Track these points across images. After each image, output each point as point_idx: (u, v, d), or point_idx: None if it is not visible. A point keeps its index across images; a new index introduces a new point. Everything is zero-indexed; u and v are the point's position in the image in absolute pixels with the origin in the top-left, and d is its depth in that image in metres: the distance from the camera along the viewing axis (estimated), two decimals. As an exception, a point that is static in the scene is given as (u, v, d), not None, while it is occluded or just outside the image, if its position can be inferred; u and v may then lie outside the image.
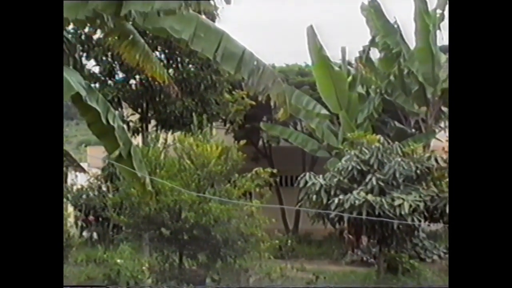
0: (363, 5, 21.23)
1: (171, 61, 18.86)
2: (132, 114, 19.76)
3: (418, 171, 14.40)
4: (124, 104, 19.40)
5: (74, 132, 44.77)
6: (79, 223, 20.57)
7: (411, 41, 20.60)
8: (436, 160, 14.49)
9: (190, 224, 12.80)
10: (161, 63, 12.17)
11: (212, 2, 9.29)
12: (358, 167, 14.44)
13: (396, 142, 15.39)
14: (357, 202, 13.53)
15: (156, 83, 14.74)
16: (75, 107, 9.05)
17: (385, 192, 13.95)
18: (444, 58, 20.10)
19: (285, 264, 14.59)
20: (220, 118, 21.13)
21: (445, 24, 20.09)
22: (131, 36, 9.54)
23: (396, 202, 13.56)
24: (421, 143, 18.81)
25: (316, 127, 20.72)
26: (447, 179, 13.46)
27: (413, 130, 22.01)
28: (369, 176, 14.14)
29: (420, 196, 13.92)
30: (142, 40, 9.95)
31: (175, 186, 12.43)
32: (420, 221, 13.99)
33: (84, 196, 20.11)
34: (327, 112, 20.85)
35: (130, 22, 9.17)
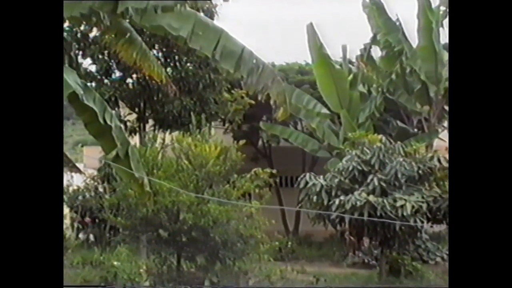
0: (365, 3, 21.24)
1: (168, 60, 18.85)
2: (129, 114, 19.76)
3: (421, 172, 14.41)
4: (121, 103, 19.38)
5: (70, 132, 44.77)
6: (75, 224, 20.56)
7: (414, 39, 20.64)
8: (439, 160, 14.50)
9: (188, 225, 12.80)
10: (159, 62, 12.16)
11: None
12: (360, 168, 14.45)
13: (398, 142, 15.40)
14: (358, 203, 13.54)
15: (154, 82, 14.70)
16: (71, 107, 9.06)
17: (387, 192, 13.96)
18: (447, 56, 20.11)
19: (285, 266, 14.59)
20: (219, 118, 21.12)
21: (448, 22, 20.10)
22: (128, 34, 9.56)
23: (398, 203, 13.57)
24: (423, 143, 18.82)
25: (316, 127, 20.73)
26: (450, 180, 13.45)
27: (416, 130, 22.03)
28: (370, 177, 14.15)
29: (422, 197, 13.93)
30: (139, 38, 9.96)
31: (173, 187, 12.43)
32: (422, 222, 14.00)
33: (80, 197, 20.10)
34: (327, 111, 20.87)
35: (127, 20, 9.18)
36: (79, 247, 18.55)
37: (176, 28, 8.84)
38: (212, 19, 16.96)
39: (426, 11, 19.65)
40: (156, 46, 18.33)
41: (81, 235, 20.25)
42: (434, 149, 18.34)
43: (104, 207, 16.13)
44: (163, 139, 16.21)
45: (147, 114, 19.51)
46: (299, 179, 14.84)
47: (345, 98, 20.42)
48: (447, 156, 14.79)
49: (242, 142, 14.50)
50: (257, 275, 13.49)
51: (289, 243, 16.79)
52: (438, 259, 18.03)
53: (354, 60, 22.21)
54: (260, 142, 24.14)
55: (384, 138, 15.43)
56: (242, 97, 20.39)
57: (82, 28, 17.29)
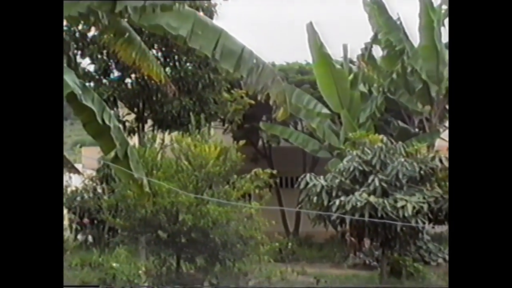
0: (366, 1, 21.24)
1: (168, 60, 18.85)
2: (128, 114, 19.76)
3: (422, 172, 14.40)
4: (120, 103, 19.38)
5: (68, 133, 44.73)
6: (74, 226, 20.53)
7: (415, 38, 20.64)
8: (441, 161, 14.49)
9: (188, 226, 12.80)
10: (158, 62, 12.17)
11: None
12: (360, 168, 14.45)
13: (400, 142, 15.39)
14: (359, 203, 13.54)
15: (153, 82, 14.73)
16: (70, 107, 9.06)
17: (388, 193, 13.96)
18: (448, 55, 20.13)
19: (285, 267, 14.60)
20: (219, 118, 21.13)
21: (448, 21, 20.10)
22: (127, 34, 9.56)
23: (400, 204, 13.57)
24: (425, 143, 18.81)
25: (317, 127, 20.73)
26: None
27: (417, 130, 22.03)
28: (371, 177, 14.15)
29: (424, 198, 13.93)
30: (138, 38, 9.97)
31: (172, 188, 12.43)
32: (424, 223, 14.00)
33: (78, 198, 20.08)
34: (328, 111, 20.87)
35: (126, 20, 9.19)
36: (77, 248, 18.53)
37: (175, 27, 8.85)
38: (212, 18, 16.97)
39: (428, 10, 19.65)
40: (155, 46, 18.33)
41: (79, 237, 20.23)
42: (436, 149, 18.34)
43: (102, 208, 16.13)
44: (162, 140, 16.19)
45: (146, 114, 19.51)
46: (299, 179, 14.84)
47: (346, 98, 20.43)
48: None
49: (242, 142, 14.50)
50: (257, 276, 13.51)
51: (289, 244, 16.80)
52: (440, 260, 18.01)
53: (354, 59, 22.21)
54: (260, 143, 24.15)
55: (385, 138, 15.42)
56: (242, 97, 20.39)
57: (80, 27, 17.29)
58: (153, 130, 18.94)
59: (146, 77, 15.12)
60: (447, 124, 21.25)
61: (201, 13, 11.38)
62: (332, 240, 20.10)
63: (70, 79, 8.36)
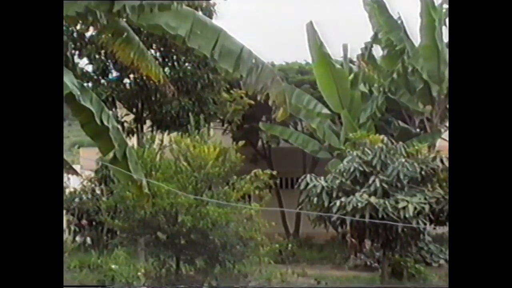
0: (366, 0, 21.22)
1: (166, 59, 18.86)
2: (127, 114, 19.76)
3: (423, 172, 14.42)
4: (118, 104, 19.39)
5: (67, 133, 44.70)
6: (72, 227, 20.54)
7: (416, 38, 20.63)
8: (442, 161, 14.51)
9: (187, 228, 12.82)
10: (157, 62, 12.19)
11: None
12: (361, 168, 14.46)
13: (400, 142, 15.41)
14: (359, 204, 13.55)
15: (152, 82, 14.73)
16: (68, 107, 9.07)
17: (389, 194, 13.97)
18: (449, 55, 20.09)
19: (285, 269, 14.63)
20: (218, 118, 21.13)
21: (448, 21, 20.10)
22: (125, 34, 9.57)
23: (400, 205, 13.59)
24: (426, 143, 18.83)
25: (317, 127, 20.73)
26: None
27: (418, 130, 22.02)
28: (372, 178, 14.17)
29: (425, 198, 13.95)
30: (137, 38, 9.98)
31: (171, 189, 12.45)
32: (425, 224, 14.02)
33: (77, 200, 20.08)
34: (328, 112, 20.87)
35: (124, 19, 9.19)
36: (76, 250, 18.55)
37: (174, 27, 8.86)
38: (211, 18, 16.97)
39: (429, 9, 19.64)
40: (154, 46, 18.34)
41: (78, 238, 20.23)
42: (437, 150, 18.34)
43: (101, 210, 16.16)
44: (161, 140, 16.21)
45: (144, 115, 19.52)
46: (299, 180, 14.85)
47: (346, 98, 20.42)
48: (450, 156, 14.79)
49: (241, 143, 14.52)
50: (257, 278, 13.53)
51: (290, 245, 16.82)
52: (442, 261, 18.01)
53: (355, 59, 22.20)
54: (259, 143, 24.13)
55: (385, 139, 15.44)
56: (241, 97, 20.39)
57: (78, 27, 17.29)
58: (152, 131, 18.94)
59: (144, 77, 15.11)
60: (448, 124, 21.25)
61: (200, 13, 11.37)
62: (333, 241, 20.09)
63: (68, 79, 8.37)
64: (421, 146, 16.42)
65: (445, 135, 20.26)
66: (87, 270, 15.82)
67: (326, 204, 14.16)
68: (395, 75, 20.10)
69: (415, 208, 13.57)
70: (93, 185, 20.27)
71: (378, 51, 21.79)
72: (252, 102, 19.40)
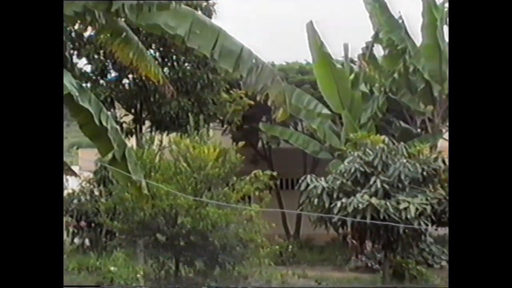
0: (367, 0, 21.24)
1: (166, 60, 18.86)
2: (126, 115, 19.76)
3: (425, 173, 14.41)
4: (117, 104, 19.39)
5: (65, 134, 44.73)
6: (70, 229, 20.52)
7: (417, 37, 20.64)
8: (444, 161, 14.49)
9: (187, 229, 12.82)
10: (156, 62, 12.19)
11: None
12: (362, 169, 14.45)
13: (402, 143, 15.40)
14: (360, 205, 13.55)
15: (151, 82, 14.74)
16: (66, 108, 9.07)
17: (390, 195, 13.97)
18: (451, 54, 20.06)
19: (286, 270, 14.63)
20: (218, 119, 21.13)
21: (448, 20, 20.08)
22: (124, 33, 9.58)
23: (402, 206, 13.58)
24: (427, 144, 18.84)
25: (317, 128, 20.73)
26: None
27: (419, 130, 22.03)
28: (373, 178, 14.16)
29: (427, 199, 13.94)
30: (136, 38, 9.98)
31: (170, 190, 12.45)
32: (427, 225, 14.01)
33: (75, 201, 20.07)
34: (329, 112, 20.88)
35: (123, 19, 9.20)
36: (74, 252, 18.52)
37: (173, 27, 8.86)
38: (210, 17, 16.98)
39: (431, 8, 19.63)
40: (153, 46, 18.34)
41: (76, 240, 20.21)
42: (439, 150, 18.35)
43: (100, 211, 16.14)
44: (160, 141, 16.22)
45: (143, 115, 19.52)
46: (300, 181, 14.84)
47: (347, 98, 20.43)
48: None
49: (241, 143, 14.53)
50: (257, 279, 13.53)
51: (290, 246, 16.83)
52: (443, 263, 17.99)
53: (355, 59, 22.21)
54: (259, 144, 24.14)
55: (386, 139, 15.44)
56: (241, 98, 20.40)
57: (76, 27, 17.30)
58: (151, 132, 18.95)
59: (143, 78, 15.12)
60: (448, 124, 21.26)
61: (200, 12, 11.37)
62: (334, 243, 20.09)
63: (66, 80, 8.37)
64: (423, 146, 16.41)
65: (447, 135, 20.25)
66: (86, 272, 15.81)
67: (326, 205, 14.15)
68: (396, 75, 20.10)
69: (417, 209, 13.57)
70: (91, 186, 20.26)
71: (379, 51, 21.81)
72: (252, 102, 19.40)
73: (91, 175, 20.68)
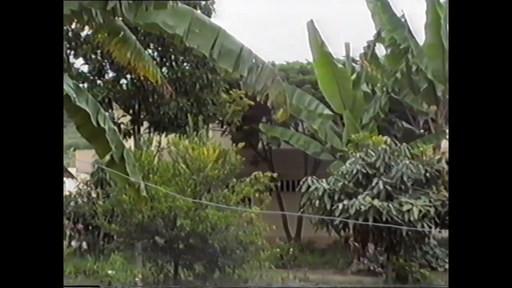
0: (369, -2, 21.26)
1: (164, 59, 18.89)
2: (124, 116, 19.79)
3: (428, 174, 14.41)
4: (114, 105, 19.42)
5: (62, 135, 44.78)
6: (68, 232, 20.54)
7: (420, 36, 20.65)
8: (447, 163, 14.49)
9: (186, 232, 12.82)
10: (154, 62, 12.19)
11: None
12: (364, 171, 14.46)
13: (404, 144, 15.40)
14: (363, 207, 13.55)
15: (149, 82, 14.74)
16: (63, 109, 9.09)
17: (393, 196, 13.97)
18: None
19: (287, 273, 14.61)
20: (217, 119, 21.16)
21: (448, 20, 20.07)
22: (122, 33, 9.58)
23: (405, 208, 13.58)
24: (430, 145, 18.80)
25: (318, 128, 20.74)
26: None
27: (422, 131, 22.05)
28: (375, 180, 14.16)
29: (430, 201, 13.93)
30: (134, 37, 9.98)
31: (169, 192, 12.45)
32: (430, 227, 14.00)
33: (72, 203, 20.09)
34: (330, 112, 20.89)
35: (120, 18, 9.20)
36: (71, 255, 18.53)
37: (171, 26, 8.86)
38: (210, 16, 16.99)
39: (435, 7, 19.61)
40: (151, 45, 18.37)
41: (73, 243, 20.22)
42: (442, 151, 18.34)
43: (97, 213, 16.13)
44: (159, 142, 16.23)
45: (142, 116, 19.54)
46: (300, 183, 14.84)
47: (348, 98, 20.44)
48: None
49: (241, 144, 14.54)
50: (258, 283, 13.52)
51: (291, 249, 16.81)
52: (447, 266, 18.01)
53: (357, 58, 22.22)
54: (260, 145, 24.17)
55: (389, 140, 15.43)
56: (241, 98, 20.42)
57: (73, 26, 17.33)
58: (149, 133, 18.96)
59: (141, 78, 15.14)
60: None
61: (199, 12, 11.37)
62: (335, 246, 20.11)
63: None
64: (426, 147, 16.39)
65: (450, 136, 20.24)
66: (83, 276, 15.84)
67: (328, 207, 14.16)
68: (398, 75, 20.09)
69: (420, 211, 13.56)
70: (89, 189, 20.28)
71: (381, 50, 21.82)
72: (252, 102, 19.42)
73: (88, 177, 20.70)
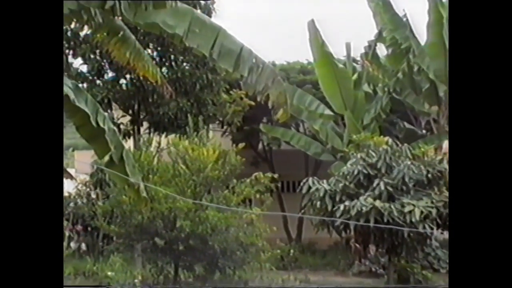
0: (370, -3, 21.25)
1: (164, 59, 18.88)
2: (123, 116, 19.78)
3: (430, 175, 14.41)
4: (114, 105, 19.41)
5: (60, 136, 44.76)
6: (66, 233, 20.55)
7: (421, 36, 20.64)
8: (449, 163, 14.49)
9: (186, 233, 12.82)
10: (154, 61, 12.19)
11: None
12: (365, 171, 14.46)
13: (406, 144, 15.39)
14: (364, 208, 13.55)
15: (149, 82, 14.76)
16: (62, 109, 9.07)
17: (394, 197, 13.97)
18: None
19: (287, 275, 14.63)
20: (217, 120, 21.16)
21: (448, 20, 20.06)
22: (121, 32, 9.57)
23: (406, 209, 13.58)
24: (432, 145, 18.80)
25: (319, 129, 20.75)
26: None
27: (424, 131, 22.05)
28: (376, 181, 14.16)
29: (432, 202, 13.93)
30: (133, 37, 9.98)
31: (169, 193, 12.45)
32: (432, 228, 14.00)
33: (71, 204, 20.10)
34: (331, 113, 20.89)
35: (120, 18, 9.20)
36: (70, 256, 18.54)
37: (171, 25, 8.84)
38: (210, 16, 16.99)
39: (438, 6, 19.59)
40: (151, 45, 18.37)
41: (72, 244, 20.23)
42: (444, 152, 18.32)
43: (96, 215, 16.16)
44: (159, 143, 16.25)
45: (141, 117, 19.54)
46: (301, 183, 14.84)
47: (349, 98, 20.44)
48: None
49: (241, 145, 14.55)
50: (258, 284, 13.52)
51: (292, 251, 16.85)
52: (449, 267, 17.99)
53: (358, 58, 22.23)
54: (260, 145, 24.17)
55: (390, 140, 15.43)
56: (241, 98, 20.42)
57: (72, 26, 17.32)
58: (149, 133, 18.96)
59: (141, 78, 15.15)
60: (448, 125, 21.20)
61: (199, 11, 11.37)
62: (336, 247, 20.10)
63: (62, 80, 8.37)
64: (428, 148, 16.39)
65: (452, 136, 20.22)
66: (82, 277, 15.85)
67: (329, 208, 14.15)
68: (400, 75, 20.08)
69: (422, 212, 13.56)
70: (88, 189, 20.29)
71: (382, 50, 21.81)
72: (253, 103, 19.42)
73: (88, 178, 20.71)
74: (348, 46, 21.39)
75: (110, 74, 19.15)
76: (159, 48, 18.67)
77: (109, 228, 13.93)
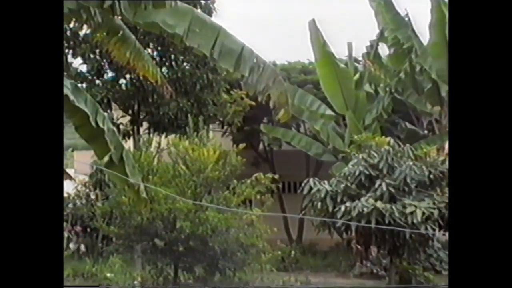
0: (371, -3, 21.26)
1: (164, 59, 18.90)
2: (123, 116, 19.80)
3: (432, 176, 14.42)
4: (114, 105, 19.42)
5: (60, 136, 44.75)
6: (65, 234, 20.57)
7: (424, 36, 20.64)
8: (451, 164, 14.48)
9: (186, 234, 12.83)
10: (154, 61, 12.20)
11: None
12: (366, 172, 14.46)
13: (408, 145, 15.40)
14: (365, 209, 13.55)
15: (149, 82, 14.77)
16: (61, 109, 9.08)
17: (396, 198, 13.97)
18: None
19: (288, 276, 14.66)
20: (218, 120, 21.17)
21: (448, 20, 20.05)
22: (121, 32, 9.59)
23: (408, 210, 13.58)
24: (434, 146, 18.77)
25: (320, 129, 20.75)
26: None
27: (426, 132, 22.04)
28: (378, 182, 14.17)
29: (434, 203, 13.93)
30: (133, 37, 9.99)
31: (169, 194, 12.46)
32: (434, 230, 14.00)
33: (70, 205, 20.11)
34: (332, 113, 20.89)
35: (120, 17, 9.21)
36: (69, 258, 18.54)
37: (171, 25, 8.86)
38: (210, 15, 17.02)
39: (440, 5, 19.58)
40: (151, 45, 18.39)
41: (71, 245, 20.22)
42: (446, 152, 18.33)
43: (96, 215, 16.16)
44: (159, 143, 16.25)
45: (141, 117, 19.55)
46: (302, 184, 14.85)
47: (351, 98, 20.45)
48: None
49: (242, 145, 14.55)
50: (259, 285, 13.54)
51: (292, 252, 16.85)
52: (451, 268, 17.98)
53: (360, 58, 22.23)
54: (261, 146, 24.17)
55: (392, 141, 15.44)
56: (242, 98, 20.43)
57: (71, 25, 17.34)
58: (148, 133, 18.98)
59: (141, 78, 15.16)
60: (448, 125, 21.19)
61: (199, 11, 11.39)
62: (338, 248, 20.10)
63: (61, 80, 8.38)
64: (430, 148, 16.38)
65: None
66: (81, 278, 15.86)
67: (330, 209, 14.16)
68: (402, 75, 20.08)
69: (424, 213, 13.56)
70: (87, 190, 20.31)
71: (384, 50, 21.82)
72: (253, 103, 19.44)
73: (87, 178, 20.72)
74: (349, 46, 21.40)
75: (110, 74, 19.17)
76: (159, 48, 18.69)
77: (109, 229, 13.95)
